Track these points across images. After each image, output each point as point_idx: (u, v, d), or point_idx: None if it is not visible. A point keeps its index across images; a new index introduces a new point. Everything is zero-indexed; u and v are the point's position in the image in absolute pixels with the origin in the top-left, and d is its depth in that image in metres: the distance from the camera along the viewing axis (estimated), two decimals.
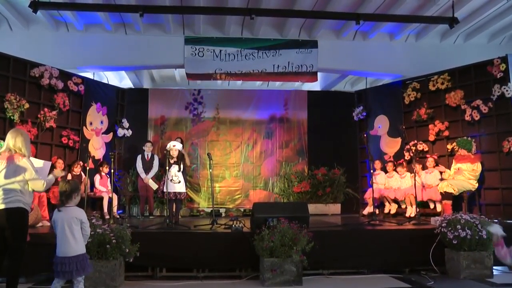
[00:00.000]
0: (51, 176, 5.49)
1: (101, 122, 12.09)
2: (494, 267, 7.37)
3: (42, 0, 9.51)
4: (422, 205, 10.47)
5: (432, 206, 10.47)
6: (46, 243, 6.24)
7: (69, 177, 10.26)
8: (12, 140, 5.24)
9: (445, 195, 9.87)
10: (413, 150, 11.28)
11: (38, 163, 5.76)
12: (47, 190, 8.95)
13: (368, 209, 11.19)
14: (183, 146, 10.22)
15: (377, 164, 11.61)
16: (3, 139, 5.32)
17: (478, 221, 7.34)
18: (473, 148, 10.08)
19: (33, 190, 5.36)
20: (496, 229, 4.26)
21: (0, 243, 5.11)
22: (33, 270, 6.68)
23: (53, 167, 9.65)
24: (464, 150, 9.98)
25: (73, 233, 5.11)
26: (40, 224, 8.48)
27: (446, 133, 10.99)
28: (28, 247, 5.33)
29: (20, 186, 5.11)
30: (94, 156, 11.36)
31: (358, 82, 15.96)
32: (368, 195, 11.12)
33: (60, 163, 9.99)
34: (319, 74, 13.09)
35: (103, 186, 10.91)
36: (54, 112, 10.48)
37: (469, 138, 10.17)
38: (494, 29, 12.10)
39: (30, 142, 5.56)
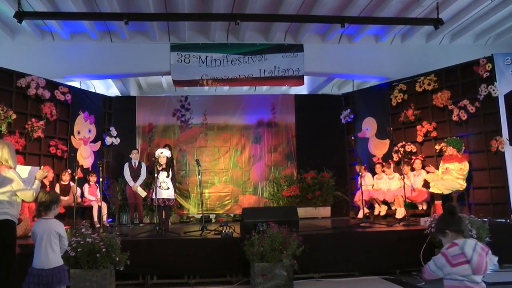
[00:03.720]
0: (36, 182, 5.39)
1: (89, 131, 12.04)
2: None
3: (27, 10, 9.50)
4: (412, 206, 10.52)
5: (421, 207, 10.52)
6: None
7: (57, 187, 10.25)
8: None
9: (435, 196, 9.93)
10: (402, 152, 11.30)
11: (25, 170, 5.70)
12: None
13: (361, 213, 11.16)
14: (171, 153, 10.21)
15: (362, 167, 11.51)
16: None
17: (467, 221, 7.37)
18: (463, 148, 10.14)
19: (22, 201, 5.30)
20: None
21: None
22: (23, 281, 6.61)
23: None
24: (454, 149, 10.00)
25: (52, 245, 5.04)
26: (30, 234, 8.40)
27: (434, 133, 11.03)
28: (18, 258, 5.29)
29: (7, 197, 5.02)
30: (82, 165, 11.32)
31: (345, 85, 16.02)
32: (357, 199, 11.10)
33: (50, 172, 10.01)
34: (305, 77, 13.09)
35: (92, 195, 10.87)
36: (41, 122, 10.42)
37: (458, 139, 10.23)
38: (480, 29, 12.20)
39: (18, 153, 5.51)
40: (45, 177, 7.29)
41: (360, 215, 11.33)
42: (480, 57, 10.20)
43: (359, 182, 10.45)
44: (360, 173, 10.45)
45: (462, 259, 3.44)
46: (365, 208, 10.50)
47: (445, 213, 3.79)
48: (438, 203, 9.93)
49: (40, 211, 5.13)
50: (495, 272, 7.63)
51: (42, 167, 5.68)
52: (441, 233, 3.66)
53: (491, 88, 9.84)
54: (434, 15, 10.15)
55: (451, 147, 10.06)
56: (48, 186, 9.78)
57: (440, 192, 9.83)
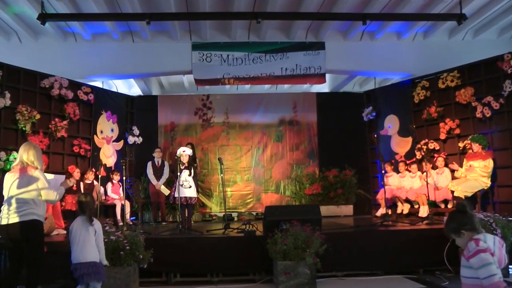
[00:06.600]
0: (62, 188, 5.54)
1: (112, 130, 12.15)
2: (510, 266, 7.29)
3: (50, 12, 9.60)
4: (435, 204, 10.41)
5: (443, 205, 10.42)
6: (61, 251, 6.27)
7: (82, 186, 10.36)
8: (25, 153, 5.26)
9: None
10: (424, 149, 11.17)
11: (50, 177, 5.81)
12: (60, 200, 9.07)
13: (381, 211, 11.09)
14: (193, 151, 10.24)
15: (388, 166, 11.41)
16: (16, 150, 5.38)
17: (492, 220, 7.24)
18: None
19: (46, 201, 5.39)
20: None
21: (17, 254, 5.16)
22: (49, 278, 6.68)
23: (70, 175, 9.83)
24: (479, 146, 9.85)
25: (89, 240, 5.22)
26: (55, 232, 8.53)
27: (457, 131, 10.88)
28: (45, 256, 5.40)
29: (33, 196, 5.12)
30: (105, 164, 11.43)
31: (366, 82, 15.91)
32: (380, 196, 11.02)
33: (77, 172, 10.19)
34: (327, 75, 13.03)
35: (115, 193, 10.97)
36: (65, 122, 10.55)
37: (482, 136, 10.09)
38: (504, 24, 12.00)
39: (42, 153, 5.61)
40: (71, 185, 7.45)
41: (378, 213, 11.31)
42: (504, 52, 9.99)
43: (382, 180, 10.39)
44: (383, 171, 10.39)
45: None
46: (384, 208, 10.46)
47: (457, 212, 3.69)
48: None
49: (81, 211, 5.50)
50: None
51: (70, 179, 5.91)
52: (456, 233, 3.58)
53: None
54: (456, 10, 10.00)
55: (477, 144, 9.89)
56: (74, 185, 9.91)
57: (463, 196, 9.66)
